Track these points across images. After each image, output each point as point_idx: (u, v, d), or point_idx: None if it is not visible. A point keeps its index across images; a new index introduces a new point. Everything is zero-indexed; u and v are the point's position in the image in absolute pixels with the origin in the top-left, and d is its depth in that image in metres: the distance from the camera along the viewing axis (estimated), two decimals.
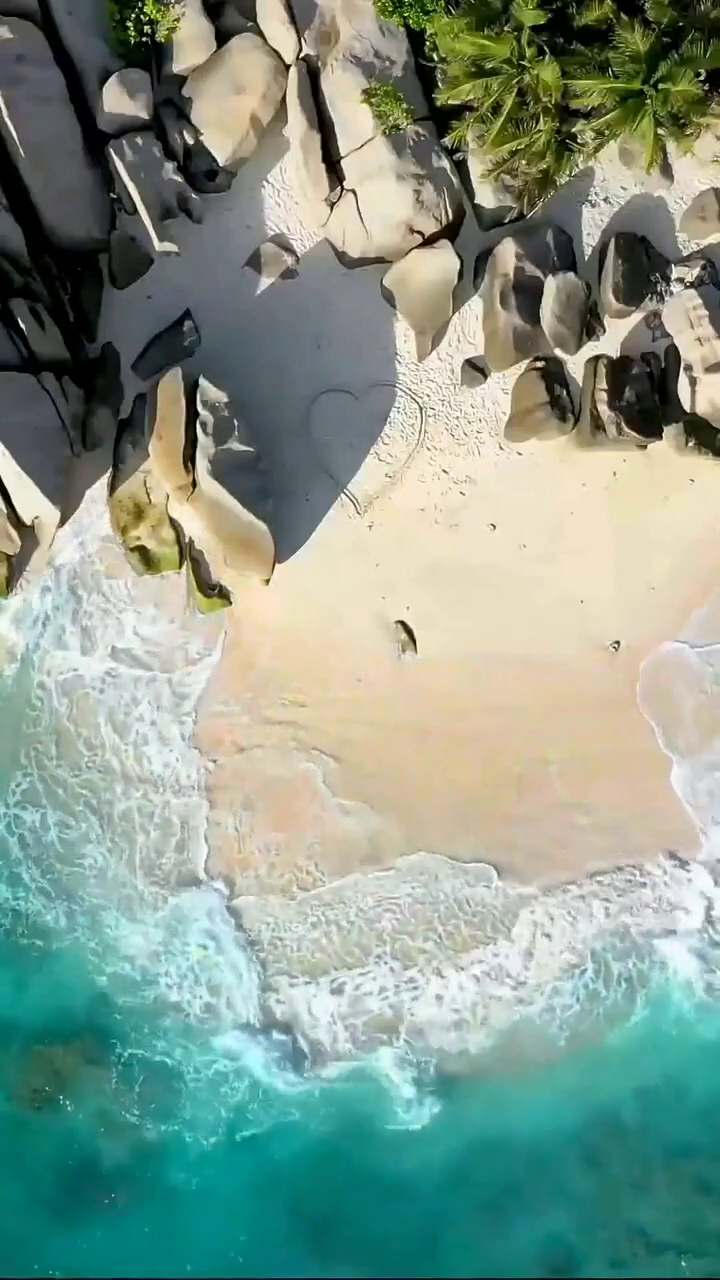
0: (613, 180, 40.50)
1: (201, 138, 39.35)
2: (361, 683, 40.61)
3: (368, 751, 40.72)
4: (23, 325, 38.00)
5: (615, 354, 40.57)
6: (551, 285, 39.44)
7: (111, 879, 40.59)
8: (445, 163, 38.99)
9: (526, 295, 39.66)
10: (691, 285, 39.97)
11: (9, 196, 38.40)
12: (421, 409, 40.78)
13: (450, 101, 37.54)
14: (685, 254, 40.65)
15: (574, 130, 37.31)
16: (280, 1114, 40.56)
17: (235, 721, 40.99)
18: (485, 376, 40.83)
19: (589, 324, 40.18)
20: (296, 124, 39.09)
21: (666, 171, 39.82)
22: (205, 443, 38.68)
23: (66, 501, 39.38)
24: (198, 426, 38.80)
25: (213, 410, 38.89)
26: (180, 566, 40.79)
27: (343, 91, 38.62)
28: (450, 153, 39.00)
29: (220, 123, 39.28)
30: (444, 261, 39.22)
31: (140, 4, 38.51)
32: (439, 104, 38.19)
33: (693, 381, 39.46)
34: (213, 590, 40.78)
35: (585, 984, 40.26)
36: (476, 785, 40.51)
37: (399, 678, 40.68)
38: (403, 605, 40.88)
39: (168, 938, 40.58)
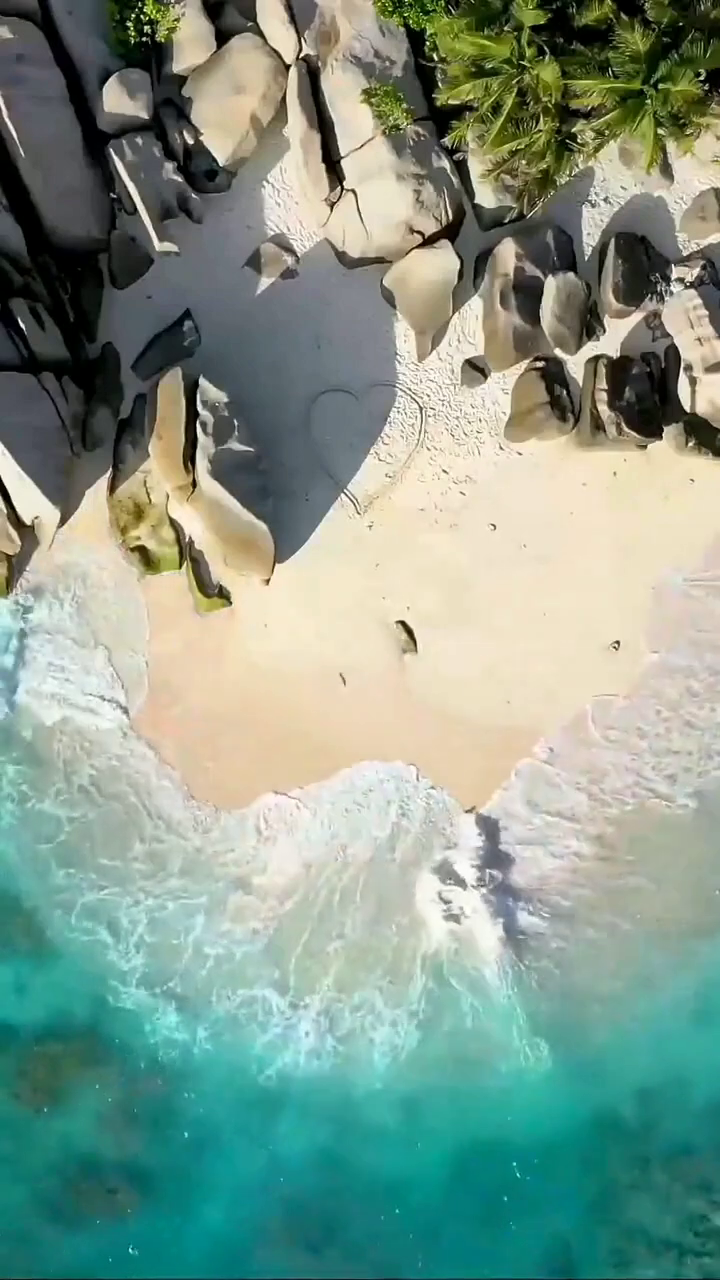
0: (613, 180, 40.50)
1: (201, 138, 39.35)
2: None
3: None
4: (23, 325, 38.01)
5: (615, 354, 40.57)
6: (551, 285, 39.44)
7: None
8: (445, 163, 38.99)
9: (526, 295, 39.66)
10: (691, 285, 39.97)
11: (9, 196, 38.40)
12: (421, 409, 40.78)
13: (450, 101, 37.54)
14: (685, 254, 40.65)
15: (574, 130, 37.31)
16: (284, 1108, 40.70)
17: None
18: (485, 376, 40.83)
19: (589, 324, 40.18)
20: (296, 124, 39.10)
21: (666, 171, 39.83)
22: (205, 443, 38.69)
23: (66, 501, 39.38)
24: (198, 426, 38.80)
25: (213, 410, 38.89)
26: (180, 566, 40.79)
27: (343, 91, 38.62)
28: (450, 153, 39.01)
29: (220, 123, 39.29)
30: (444, 261, 39.22)
31: (140, 4, 38.52)
32: (439, 104, 38.20)
33: (693, 381, 39.47)
34: (213, 590, 40.79)
35: None
36: None
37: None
38: (403, 605, 40.89)
39: None
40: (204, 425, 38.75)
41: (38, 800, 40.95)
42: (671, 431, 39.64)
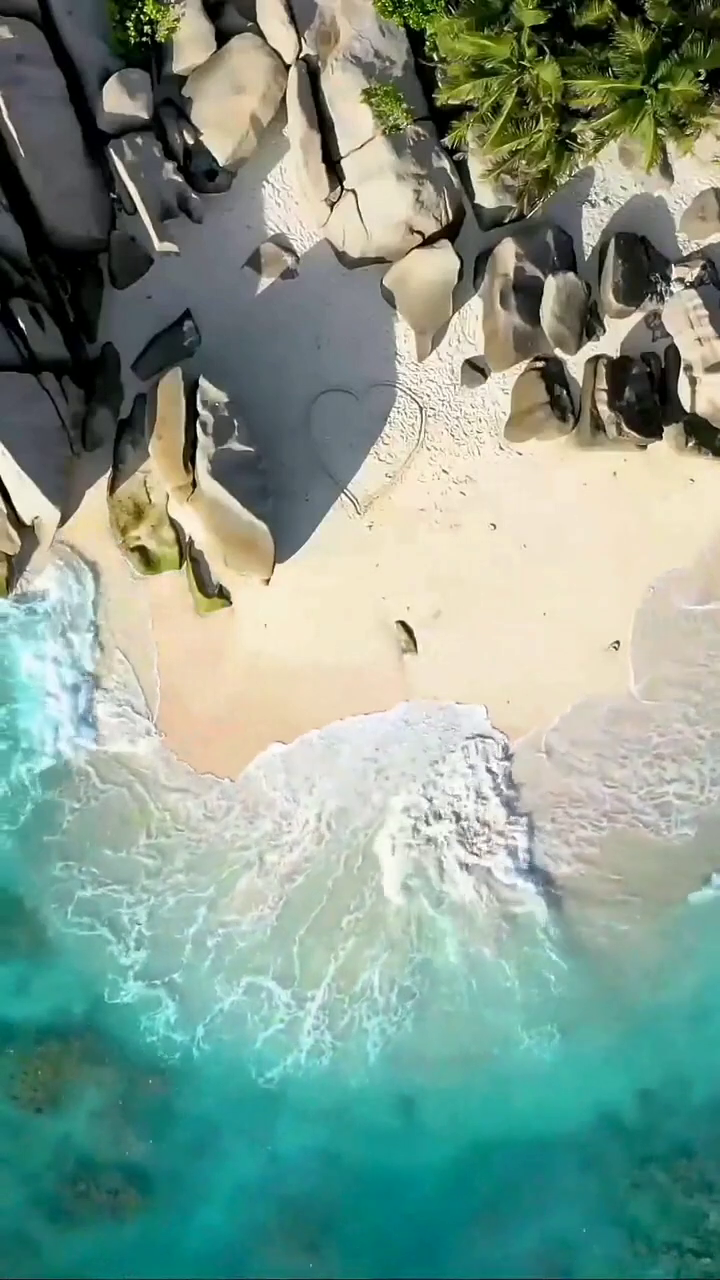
0: (613, 180, 40.50)
1: (201, 138, 39.35)
2: None
3: None
4: (23, 325, 38.01)
5: (615, 354, 40.58)
6: (551, 285, 39.44)
7: None
8: (445, 163, 38.99)
9: (526, 295, 39.66)
10: (691, 285, 39.97)
11: (9, 196, 38.39)
12: (421, 409, 40.78)
13: (450, 101, 37.54)
14: (685, 254, 40.65)
15: (574, 130, 37.31)
16: (284, 1108, 40.67)
17: None
18: (485, 376, 40.83)
19: (589, 324, 40.18)
20: (296, 124, 39.09)
21: (666, 171, 39.83)
22: (205, 443, 38.68)
23: (66, 501, 39.37)
24: (198, 426, 38.80)
25: (213, 410, 38.88)
26: (180, 566, 40.78)
27: (343, 91, 38.61)
28: (450, 153, 39.00)
29: (220, 123, 39.28)
30: (444, 261, 39.22)
31: (140, 4, 38.51)
32: (439, 104, 38.20)
33: (693, 381, 39.47)
34: (213, 590, 40.78)
35: None
36: None
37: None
38: (403, 605, 40.89)
39: None
40: (204, 425, 38.75)
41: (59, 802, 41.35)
42: (671, 431, 39.64)
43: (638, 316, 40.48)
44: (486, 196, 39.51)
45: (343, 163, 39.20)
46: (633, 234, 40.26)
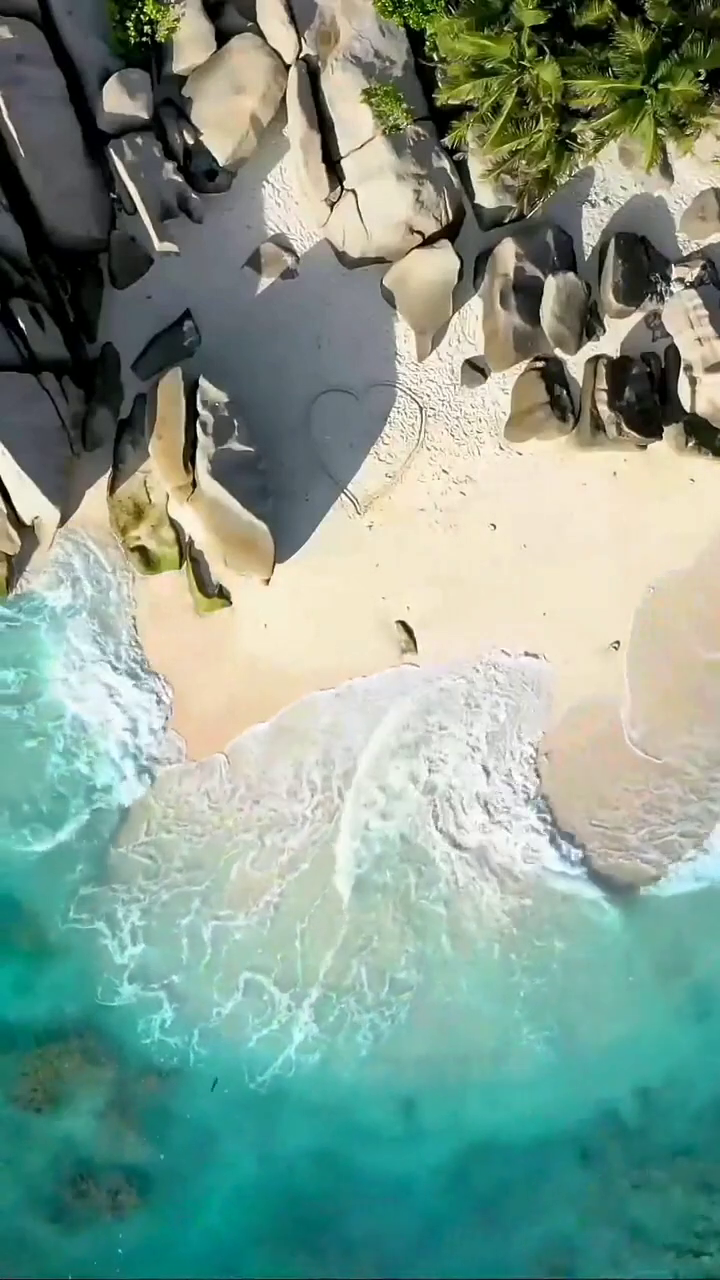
0: (613, 180, 40.51)
1: (201, 138, 39.34)
2: None
3: None
4: (23, 325, 38.00)
5: (615, 354, 40.58)
6: (551, 285, 39.44)
7: None
8: (445, 163, 38.99)
9: (526, 295, 39.66)
10: (691, 285, 39.98)
11: (9, 196, 38.39)
12: (421, 409, 40.78)
13: (450, 101, 37.54)
14: (685, 254, 40.66)
15: (574, 130, 37.32)
16: (283, 1108, 40.67)
17: None
18: (485, 376, 40.83)
19: (589, 324, 40.18)
20: (296, 124, 39.09)
21: (666, 171, 39.84)
22: (205, 443, 38.69)
23: (66, 501, 39.36)
24: (198, 426, 38.80)
25: (213, 410, 38.88)
26: (180, 566, 40.77)
27: (343, 91, 38.62)
28: (450, 153, 39.01)
29: (220, 123, 39.28)
30: (444, 261, 39.22)
31: (140, 4, 38.51)
32: (439, 104, 38.20)
33: (693, 381, 39.48)
34: (213, 590, 40.77)
35: None
36: None
37: None
38: (403, 605, 40.89)
39: None
40: (204, 425, 38.75)
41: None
42: (671, 431, 39.65)
43: (638, 316, 40.48)
44: (486, 196, 39.51)
45: (343, 163, 39.20)
46: (633, 234, 40.26)
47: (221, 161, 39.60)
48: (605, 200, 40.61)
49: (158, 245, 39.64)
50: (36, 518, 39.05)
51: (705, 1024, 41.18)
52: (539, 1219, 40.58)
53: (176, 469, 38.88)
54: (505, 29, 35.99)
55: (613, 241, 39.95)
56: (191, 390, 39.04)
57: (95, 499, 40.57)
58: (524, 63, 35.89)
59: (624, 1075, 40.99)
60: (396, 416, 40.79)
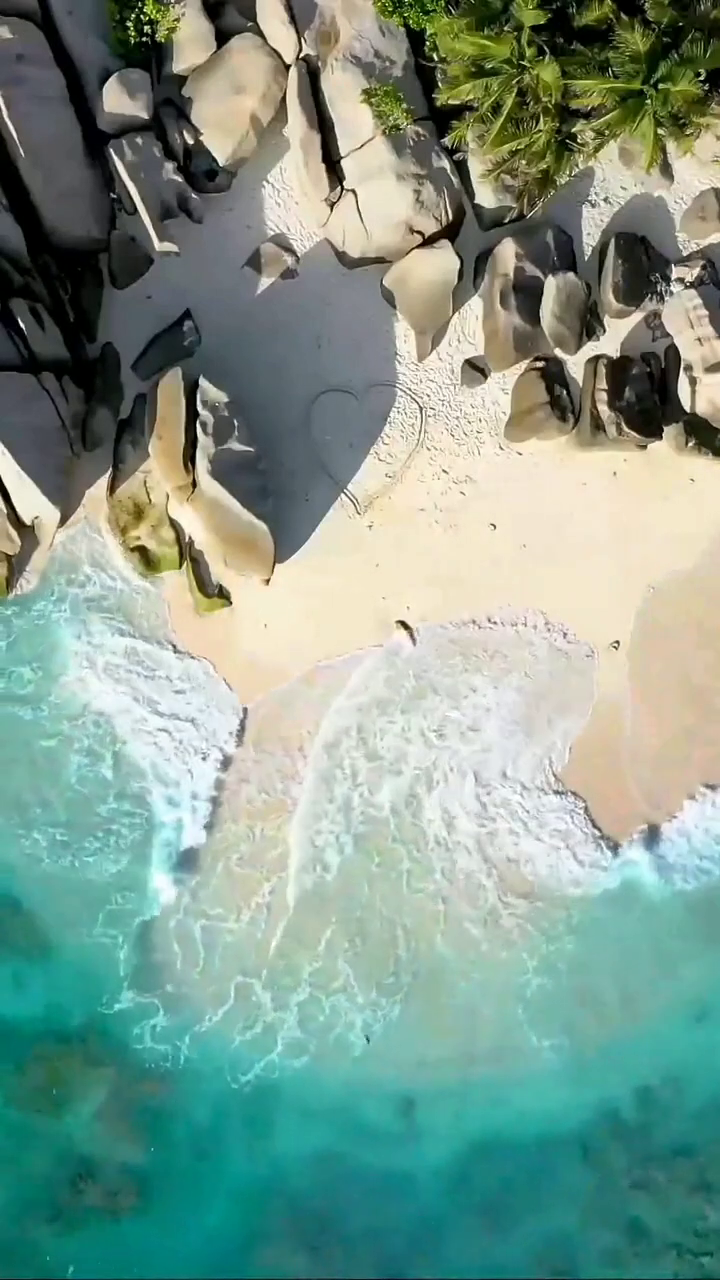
0: (613, 180, 40.51)
1: (201, 138, 39.35)
2: None
3: None
4: (23, 325, 38.01)
5: (615, 354, 40.58)
6: (551, 285, 39.45)
7: None
8: (445, 163, 38.99)
9: (526, 295, 39.66)
10: (691, 285, 39.98)
11: (9, 196, 38.40)
12: (421, 409, 40.78)
13: (450, 101, 37.55)
14: (685, 254, 40.66)
15: (574, 130, 37.32)
16: (282, 1108, 40.67)
17: None
18: (485, 376, 40.83)
19: (589, 324, 40.18)
20: (296, 124, 39.10)
21: (666, 171, 39.85)
22: (205, 443, 38.69)
23: (66, 501, 39.37)
24: (198, 426, 38.81)
25: (213, 410, 38.89)
26: (180, 566, 40.78)
27: (343, 91, 38.62)
28: (450, 153, 39.01)
29: (220, 123, 39.29)
30: (444, 261, 39.22)
31: (140, 4, 38.51)
32: (439, 104, 38.21)
33: (693, 381, 39.48)
34: (213, 590, 40.77)
35: None
36: None
37: None
38: (403, 605, 40.89)
39: None
40: (204, 425, 38.75)
41: None
42: (671, 431, 39.65)
43: (638, 316, 40.49)
44: (486, 196, 39.51)
45: (343, 163, 39.21)
46: (633, 234, 40.26)
47: (221, 161, 39.60)
48: (605, 200, 40.61)
49: (158, 245, 39.65)
50: (36, 518, 39.06)
51: (705, 1024, 41.15)
52: (539, 1218, 40.57)
53: (176, 469, 38.89)
54: (505, 29, 35.99)
55: (613, 241, 39.96)
56: (191, 390, 39.05)
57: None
58: (524, 63, 35.89)
59: (624, 1074, 40.97)
60: (396, 416, 40.79)
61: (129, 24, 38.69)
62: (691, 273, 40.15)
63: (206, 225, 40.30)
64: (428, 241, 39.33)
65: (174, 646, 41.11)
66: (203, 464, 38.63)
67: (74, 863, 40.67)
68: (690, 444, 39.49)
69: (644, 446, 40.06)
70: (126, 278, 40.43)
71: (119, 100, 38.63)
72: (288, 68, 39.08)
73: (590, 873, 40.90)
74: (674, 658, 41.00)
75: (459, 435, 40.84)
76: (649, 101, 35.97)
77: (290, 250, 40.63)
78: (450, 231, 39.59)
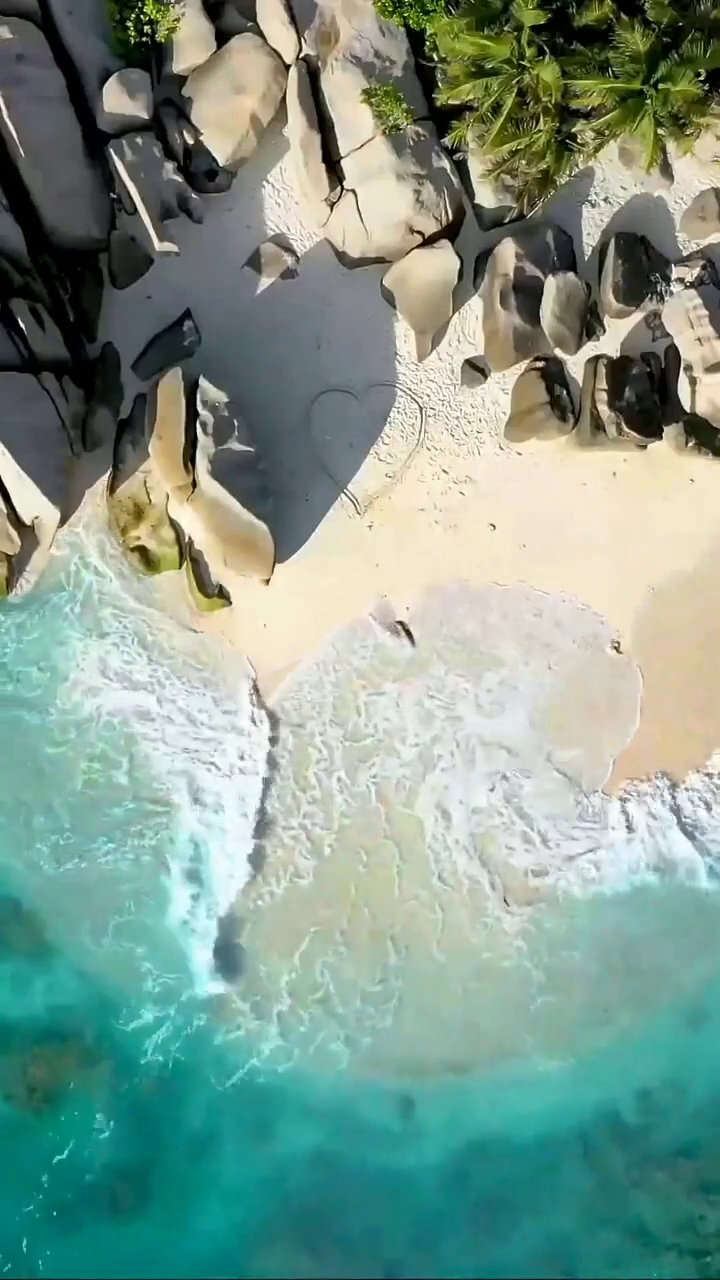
0: (613, 180, 40.51)
1: (201, 138, 39.36)
2: None
3: None
4: (23, 325, 38.01)
5: (615, 354, 40.58)
6: (551, 285, 39.45)
7: None
8: (445, 163, 39.00)
9: (526, 295, 39.67)
10: (691, 285, 39.98)
11: (9, 196, 38.40)
12: (421, 409, 40.78)
13: (450, 101, 37.54)
14: (685, 254, 40.66)
15: (574, 130, 37.32)
16: (281, 1108, 40.65)
17: None
18: (485, 376, 40.84)
19: (589, 324, 40.18)
20: (296, 124, 39.10)
21: (666, 171, 39.85)
22: (205, 443, 38.69)
23: (66, 501, 39.39)
24: (198, 426, 38.81)
25: (213, 410, 38.89)
26: (180, 566, 40.78)
27: (343, 91, 38.62)
28: (450, 153, 39.01)
29: (220, 123, 39.29)
30: (444, 261, 39.23)
31: (140, 4, 38.52)
32: (439, 104, 38.20)
33: (693, 381, 39.48)
34: (213, 590, 40.77)
35: None
36: None
37: None
38: (403, 605, 40.89)
39: None
40: (204, 425, 38.75)
41: None
42: (671, 431, 39.65)
43: (638, 316, 40.49)
44: (486, 196, 39.51)
45: (343, 163, 39.21)
46: (633, 234, 40.26)
47: (221, 161, 39.61)
48: (605, 200, 40.61)
49: (158, 245, 39.66)
50: (36, 518, 39.07)
51: (706, 1025, 41.15)
52: (539, 1219, 40.54)
53: (176, 469, 38.89)
54: (505, 29, 35.99)
55: (613, 241, 39.96)
56: (191, 390, 39.05)
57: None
58: (524, 63, 35.89)
59: (625, 1075, 40.96)
60: (396, 416, 40.79)
61: (129, 24, 38.69)
62: (691, 273, 40.15)
63: (206, 225, 40.30)
64: (428, 241, 39.34)
65: (175, 647, 41.10)
66: (203, 464, 38.63)
67: (85, 865, 40.66)
68: (690, 444, 39.49)
69: (644, 446, 40.06)
70: (126, 278, 40.43)
71: (119, 100, 38.63)
72: (288, 68, 39.09)
73: (602, 874, 40.96)
74: (674, 658, 41.00)
75: (459, 435, 40.84)
76: (649, 101, 35.96)
77: (290, 250, 40.63)
78: (450, 231, 39.60)
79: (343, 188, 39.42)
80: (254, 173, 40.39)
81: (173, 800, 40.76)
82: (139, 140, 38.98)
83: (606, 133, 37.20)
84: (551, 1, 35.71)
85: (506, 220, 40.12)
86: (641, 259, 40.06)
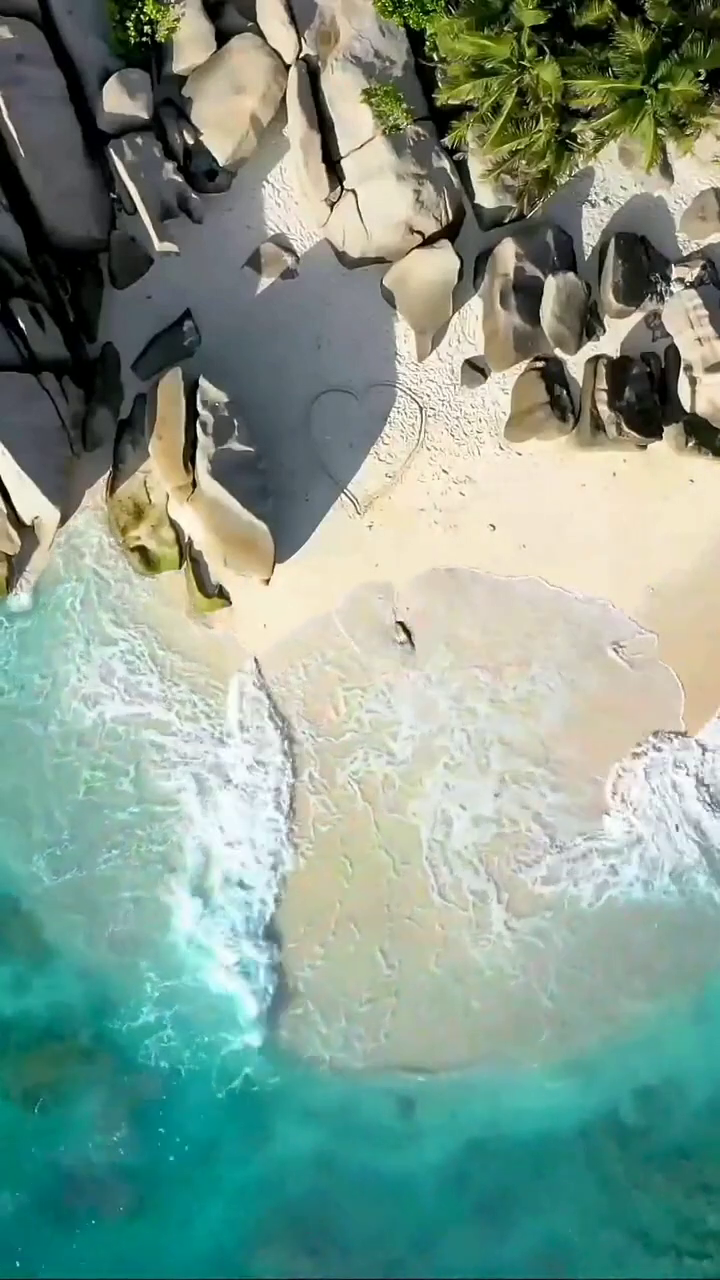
0: (613, 180, 40.51)
1: (201, 138, 39.36)
2: None
3: None
4: (23, 325, 38.01)
5: (615, 354, 40.58)
6: (551, 285, 39.45)
7: None
8: (445, 163, 39.00)
9: (526, 295, 39.67)
10: (691, 285, 39.98)
11: (9, 196, 38.40)
12: (421, 409, 40.78)
13: (450, 101, 37.54)
14: (685, 254, 40.66)
15: (574, 130, 37.32)
16: (280, 1109, 40.61)
17: None
18: (485, 376, 40.84)
19: (589, 324, 40.18)
20: (296, 124, 39.10)
21: (666, 171, 39.84)
22: (205, 443, 38.70)
23: (66, 501, 39.39)
24: (198, 426, 38.81)
25: (213, 410, 38.89)
26: (180, 566, 40.78)
27: (343, 91, 38.63)
28: (450, 153, 39.01)
29: (220, 123, 39.29)
30: (444, 261, 39.23)
31: (140, 4, 38.52)
32: (439, 104, 38.20)
33: (693, 381, 39.48)
34: (213, 590, 40.77)
35: None
36: None
37: None
38: (403, 605, 40.89)
39: None
40: (204, 425, 38.75)
41: None
42: (671, 431, 39.65)
43: (638, 316, 40.49)
44: (486, 196, 39.51)
45: (343, 163, 39.21)
46: (633, 234, 40.26)
47: (221, 161, 39.61)
48: (605, 200, 40.61)
49: (158, 245, 39.66)
50: (36, 518, 39.07)
51: (706, 1024, 41.14)
52: (539, 1219, 40.54)
53: (176, 469, 38.89)
54: (505, 29, 35.99)
55: (613, 241, 39.96)
56: (191, 390, 39.05)
57: None
58: (524, 63, 35.89)
59: (625, 1075, 40.95)
60: (396, 416, 40.79)
61: (129, 24, 38.69)
62: (691, 273, 40.15)
63: (206, 225, 40.31)
64: (428, 241, 39.34)
65: (175, 647, 41.09)
66: (203, 464, 38.63)
67: (86, 872, 40.71)
68: (690, 444, 39.48)
69: (644, 446, 40.05)
70: (126, 278, 40.44)
71: (119, 100, 38.64)
72: (288, 68, 39.09)
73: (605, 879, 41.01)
74: (675, 658, 41.05)
75: (459, 435, 40.84)
76: (649, 101, 35.96)
77: (290, 250, 40.63)
78: (450, 231, 39.60)
79: (343, 188, 39.42)
80: (254, 173, 40.39)
81: (180, 801, 40.75)
82: (139, 140, 38.99)
83: (606, 133, 37.20)
84: (551, 1, 35.71)
85: (506, 220, 40.12)
86: (641, 259, 40.06)
